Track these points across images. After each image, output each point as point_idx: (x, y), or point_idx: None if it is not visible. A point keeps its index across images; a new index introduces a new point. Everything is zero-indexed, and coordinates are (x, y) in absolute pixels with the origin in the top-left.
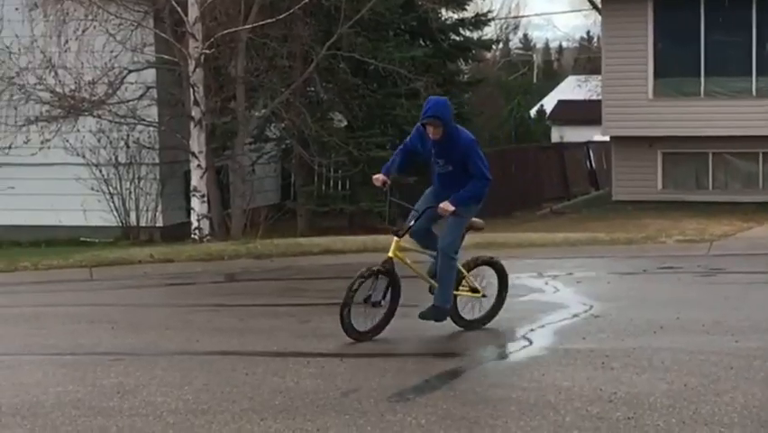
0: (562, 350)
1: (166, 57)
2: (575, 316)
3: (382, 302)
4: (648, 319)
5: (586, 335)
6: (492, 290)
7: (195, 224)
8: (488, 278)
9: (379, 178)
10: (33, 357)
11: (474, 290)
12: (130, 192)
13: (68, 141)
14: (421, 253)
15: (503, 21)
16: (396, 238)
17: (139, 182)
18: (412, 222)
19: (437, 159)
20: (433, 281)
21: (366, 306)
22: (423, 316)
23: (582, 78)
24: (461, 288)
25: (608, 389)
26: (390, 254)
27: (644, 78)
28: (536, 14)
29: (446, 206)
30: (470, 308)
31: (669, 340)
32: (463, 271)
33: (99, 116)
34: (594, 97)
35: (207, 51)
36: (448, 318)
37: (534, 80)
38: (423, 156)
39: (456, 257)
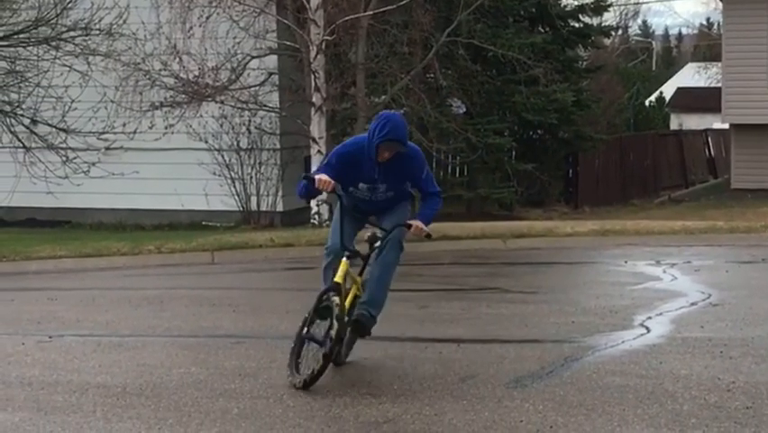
0: (680, 338)
1: (288, 43)
2: (693, 304)
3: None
4: (767, 309)
5: (704, 323)
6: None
7: (314, 209)
8: None
9: (329, 182)
10: (157, 339)
11: None
12: (251, 177)
13: (191, 126)
14: None
15: (623, 7)
16: (344, 260)
17: (260, 167)
18: (378, 243)
19: (379, 184)
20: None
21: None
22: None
23: (702, 65)
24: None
25: (727, 378)
26: (338, 279)
27: (764, 66)
28: (656, 1)
29: (421, 225)
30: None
31: None
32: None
33: (222, 102)
34: (714, 85)
35: (329, 38)
36: (561, 306)
37: (654, 67)
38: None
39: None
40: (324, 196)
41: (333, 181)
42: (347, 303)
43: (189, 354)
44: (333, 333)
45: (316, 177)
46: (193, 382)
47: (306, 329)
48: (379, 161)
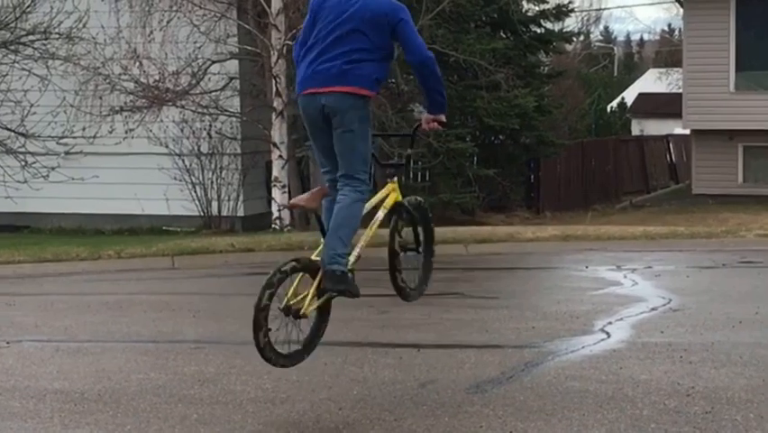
0: (640, 343)
1: (249, 48)
2: (653, 309)
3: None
4: (727, 314)
5: (664, 328)
6: None
7: (275, 214)
8: None
9: None
10: (116, 344)
11: None
12: (212, 182)
13: (151, 131)
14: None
15: (584, 13)
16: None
17: (221, 172)
18: None
19: None
20: None
21: None
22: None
23: (663, 70)
24: None
25: (686, 383)
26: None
27: (725, 71)
28: (618, 7)
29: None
30: None
31: (748, 335)
32: None
33: (182, 107)
34: (675, 90)
35: (290, 43)
36: (522, 311)
37: (615, 73)
38: None
39: None
40: (286, 200)
41: None
42: None
43: (148, 359)
44: None
45: None
46: (152, 387)
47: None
48: None
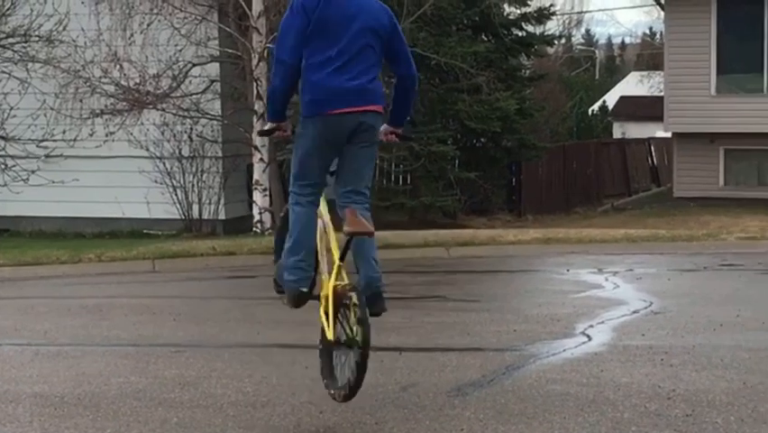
0: (621, 346)
1: (230, 51)
2: (635, 312)
3: None
4: (708, 316)
5: (645, 331)
6: None
7: (256, 217)
8: None
9: None
10: (96, 348)
11: None
12: (193, 185)
13: (132, 133)
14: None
15: (566, 16)
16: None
17: (202, 175)
18: None
19: None
20: None
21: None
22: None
23: (645, 73)
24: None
25: (667, 386)
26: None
27: (706, 75)
28: (599, 10)
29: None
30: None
31: (729, 338)
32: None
33: (163, 110)
34: (656, 93)
35: (271, 45)
36: (503, 315)
37: (597, 76)
38: None
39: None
40: (267, 203)
41: None
42: None
43: (129, 363)
44: None
45: None
46: (132, 391)
47: None
48: None
